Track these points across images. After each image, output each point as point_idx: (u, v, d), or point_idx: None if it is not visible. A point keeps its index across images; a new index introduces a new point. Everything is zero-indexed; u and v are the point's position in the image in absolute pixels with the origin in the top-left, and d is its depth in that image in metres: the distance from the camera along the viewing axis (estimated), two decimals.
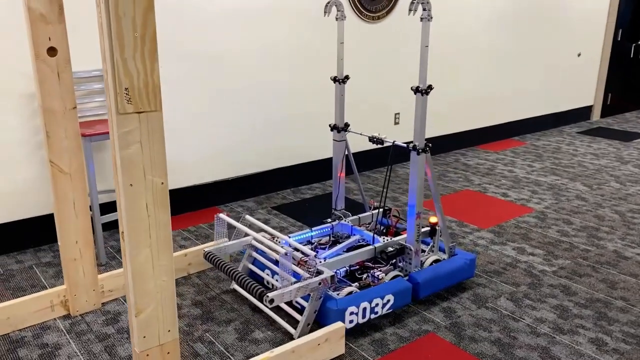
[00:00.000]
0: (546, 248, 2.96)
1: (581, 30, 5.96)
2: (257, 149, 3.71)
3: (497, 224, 3.29)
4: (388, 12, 4.14)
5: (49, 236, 2.99)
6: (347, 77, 2.67)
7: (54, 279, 2.63)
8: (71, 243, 2.25)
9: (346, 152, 2.77)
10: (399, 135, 4.55)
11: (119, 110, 1.40)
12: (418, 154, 2.31)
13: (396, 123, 4.50)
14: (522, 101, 5.60)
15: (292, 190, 3.93)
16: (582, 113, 6.48)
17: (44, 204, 2.94)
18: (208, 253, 2.36)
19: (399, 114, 4.49)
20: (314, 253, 2.19)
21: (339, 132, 2.73)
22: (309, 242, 2.69)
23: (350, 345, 2.13)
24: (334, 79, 2.69)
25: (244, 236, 2.52)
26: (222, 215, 2.48)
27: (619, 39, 6.45)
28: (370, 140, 2.49)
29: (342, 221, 2.78)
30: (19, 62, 2.71)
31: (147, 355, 1.62)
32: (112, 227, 3.20)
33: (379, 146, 4.41)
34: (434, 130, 4.82)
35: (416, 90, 2.26)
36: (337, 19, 2.58)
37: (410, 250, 2.39)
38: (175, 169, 3.38)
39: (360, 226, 2.78)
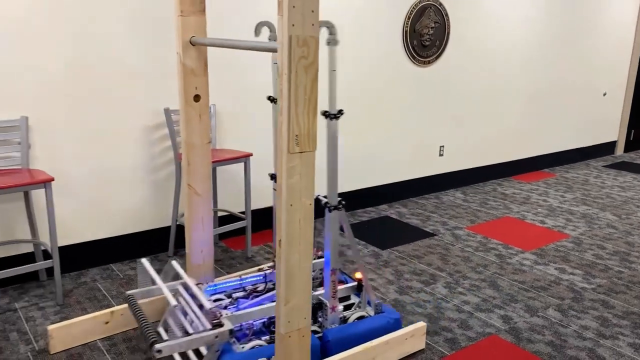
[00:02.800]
0: (584, 269, 3.40)
1: (607, 71, 6.45)
2: (321, 178, 4.22)
3: (538, 247, 3.74)
4: (437, 58, 4.67)
5: (153, 247, 3.49)
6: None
7: None
8: (197, 252, 2.74)
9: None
10: (443, 165, 5.03)
11: (289, 151, 1.91)
12: (330, 211, 2.29)
13: (440, 155, 4.99)
14: (552, 136, 6.07)
15: (351, 213, 4.41)
16: (607, 148, 6.92)
17: (151, 220, 3.45)
18: (129, 296, 2.32)
19: (443, 146, 4.98)
20: (212, 305, 2.17)
21: (277, 181, 2.65)
22: (243, 289, 2.62)
23: (429, 342, 2.58)
24: (270, 99, 2.59)
25: (172, 280, 2.53)
26: (144, 261, 2.46)
27: None
28: None
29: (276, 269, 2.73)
30: (143, 101, 3.26)
31: (289, 336, 2.09)
32: None
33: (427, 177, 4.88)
34: (472, 161, 5.30)
35: (325, 114, 2.18)
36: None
37: (326, 306, 2.37)
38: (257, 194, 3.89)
39: None
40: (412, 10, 4.36)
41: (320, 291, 2.51)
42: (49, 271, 3.11)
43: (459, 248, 3.71)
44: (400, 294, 3.01)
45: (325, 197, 2.37)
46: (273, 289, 2.62)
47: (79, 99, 3.04)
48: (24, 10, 2.80)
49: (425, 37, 4.52)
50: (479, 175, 5.42)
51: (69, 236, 3.16)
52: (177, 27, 2.47)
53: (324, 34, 3.86)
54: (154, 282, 2.52)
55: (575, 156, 6.50)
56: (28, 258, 3.06)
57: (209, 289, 2.58)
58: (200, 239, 2.74)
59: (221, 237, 3.77)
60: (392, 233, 3.98)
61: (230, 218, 3.76)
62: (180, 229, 3.56)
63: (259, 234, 3.89)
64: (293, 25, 1.81)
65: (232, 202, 3.76)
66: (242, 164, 3.74)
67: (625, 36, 6.51)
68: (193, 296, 2.37)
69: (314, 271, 2.68)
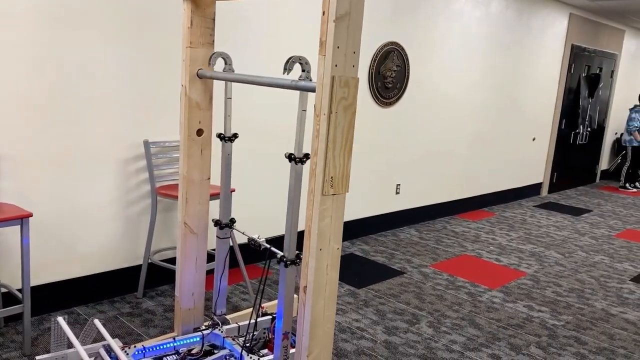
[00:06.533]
0: (549, 306, 3.58)
1: (536, 119, 6.99)
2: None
3: (502, 285, 3.90)
4: (397, 99, 4.83)
5: (121, 288, 3.23)
6: (235, 135, 2.41)
7: (144, 327, 2.89)
8: (188, 295, 2.57)
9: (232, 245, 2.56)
10: (400, 204, 5.15)
11: (323, 193, 1.86)
12: (286, 266, 2.05)
13: (397, 193, 5.10)
14: (490, 177, 6.44)
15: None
16: (534, 189, 7.44)
17: (120, 258, 3.21)
18: None
19: (400, 185, 5.10)
20: None
21: (221, 228, 2.48)
22: (176, 352, 2.35)
23: None
24: (220, 137, 2.39)
25: (92, 342, 2.27)
26: (60, 320, 2.14)
27: (562, 127, 7.57)
28: (248, 242, 2.31)
29: (216, 330, 2.45)
30: (121, 131, 3.06)
31: None
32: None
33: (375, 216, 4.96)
34: (424, 199, 5.47)
35: (290, 157, 2.01)
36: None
37: None
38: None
39: (241, 337, 2.47)
40: (378, 53, 4.50)
41: (269, 356, 2.28)
42: (7, 318, 2.77)
43: (430, 286, 3.77)
44: (389, 335, 3.00)
45: (279, 252, 2.06)
46: (210, 352, 2.35)
47: (52, 126, 2.80)
48: None
49: (389, 80, 4.67)
50: (429, 213, 5.60)
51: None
52: (185, 58, 2.37)
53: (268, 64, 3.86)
54: (70, 345, 2.18)
55: (508, 196, 6.91)
56: None
57: (136, 352, 2.25)
58: (193, 280, 2.58)
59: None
60: (363, 271, 3.98)
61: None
62: (152, 268, 3.33)
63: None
64: (336, 65, 1.80)
65: None
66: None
67: (551, 89, 7.11)
68: None
69: (256, 330, 2.46)
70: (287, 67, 1.98)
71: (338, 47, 1.79)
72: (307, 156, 2.03)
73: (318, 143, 1.86)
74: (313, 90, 1.90)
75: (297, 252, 2.10)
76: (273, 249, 2.19)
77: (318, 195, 1.87)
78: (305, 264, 1.94)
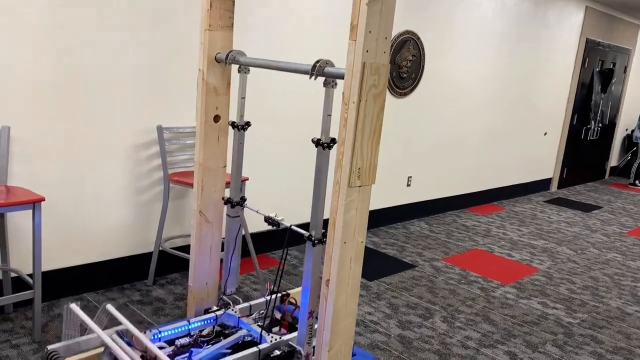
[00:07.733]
0: (564, 303, 3.52)
1: (548, 114, 6.90)
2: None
3: (515, 281, 3.84)
4: (412, 90, 4.74)
5: (131, 275, 3.18)
6: (248, 124, 2.38)
7: (155, 315, 2.84)
8: (202, 284, 2.52)
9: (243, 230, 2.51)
10: (411, 196, 5.09)
11: (350, 184, 1.80)
12: (314, 245, 2.01)
13: (408, 185, 5.04)
14: (500, 171, 6.36)
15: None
16: (544, 184, 7.37)
17: (130, 245, 3.15)
18: (51, 353, 1.96)
19: (411, 177, 5.04)
20: (164, 357, 1.91)
21: (233, 206, 2.42)
22: (189, 335, 2.29)
23: None
24: (233, 125, 2.38)
25: (105, 328, 2.14)
26: (73, 307, 2.07)
27: (574, 122, 7.48)
28: (265, 221, 2.19)
29: (229, 310, 2.40)
30: (134, 117, 2.99)
31: None
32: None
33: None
34: (434, 192, 5.40)
35: (317, 142, 1.98)
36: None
37: (300, 354, 2.09)
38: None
39: (250, 315, 2.46)
40: (394, 42, 4.41)
41: (290, 335, 2.23)
42: (17, 303, 2.72)
43: (442, 280, 3.72)
44: (403, 329, 2.95)
45: (303, 229, 2.04)
46: (221, 333, 2.30)
47: (65, 111, 2.73)
48: (12, 16, 2.48)
49: (404, 69, 4.59)
50: (439, 206, 5.54)
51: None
52: (203, 42, 2.29)
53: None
54: (83, 331, 2.08)
55: (517, 191, 6.84)
56: None
57: (152, 337, 2.20)
58: (207, 270, 2.52)
59: None
60: (374, 264, 3.92)
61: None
62: (163, 255, 3.28)
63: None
64: (367, 51, 1.73)
65: None
66: None
67: (564, 84, 7.02)
68: (132, 346, 2.02)
69: (262, 311, 2.42)
70: (316, 71, 1.89)
71: (370, 32, 1.72)
72: (333, 141, 1.97)
73: (346, 132, 1.79)
74: (341, 77, 1.83)
75: (323, 231, 2.03)
76: (295, 227, 2.09)
77: (344, 186, 1.80)
78: (329, 256, 1.89)
